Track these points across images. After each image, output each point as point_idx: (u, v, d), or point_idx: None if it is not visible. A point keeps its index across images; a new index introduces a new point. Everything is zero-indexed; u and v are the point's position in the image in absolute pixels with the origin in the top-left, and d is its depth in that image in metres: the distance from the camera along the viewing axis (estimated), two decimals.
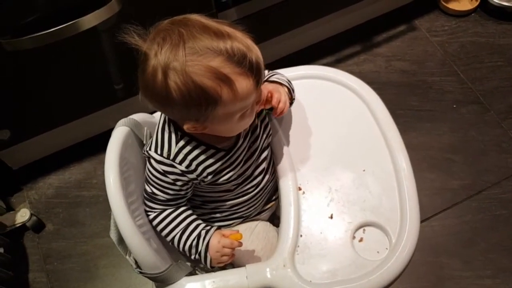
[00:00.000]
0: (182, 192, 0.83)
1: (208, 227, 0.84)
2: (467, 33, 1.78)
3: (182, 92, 0.67)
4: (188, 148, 0.79)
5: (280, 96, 0.83)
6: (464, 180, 1.47)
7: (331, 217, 0.85)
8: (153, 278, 0.80)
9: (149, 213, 0.85)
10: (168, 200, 0.83)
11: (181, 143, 0.78)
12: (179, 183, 0.81)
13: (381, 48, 1.75)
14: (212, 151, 0.80)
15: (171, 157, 0.78)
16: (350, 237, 0.83)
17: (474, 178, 1.47)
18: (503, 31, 1.78)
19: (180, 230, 0.83)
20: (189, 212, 0.86)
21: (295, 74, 1.01)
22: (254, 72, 0.68)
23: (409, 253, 0.80)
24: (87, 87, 1.32)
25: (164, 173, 0.79)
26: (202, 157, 0.79)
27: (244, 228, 0.95)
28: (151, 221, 0.85)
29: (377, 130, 0.93)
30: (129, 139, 0.85)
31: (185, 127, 0.74)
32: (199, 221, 0.85)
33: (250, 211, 0.94)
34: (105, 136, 0.84)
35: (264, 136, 0.88)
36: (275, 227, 0.98)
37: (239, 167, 0.84)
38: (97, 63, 1.28)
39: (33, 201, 1.50)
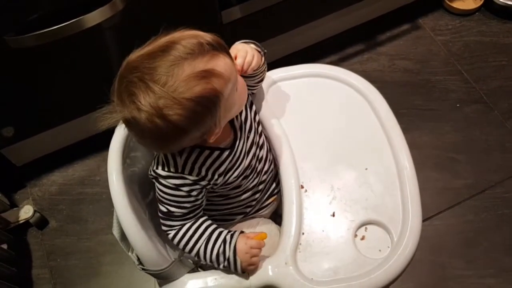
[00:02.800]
0: (199, 202, 0.81)
1: (232, 232, 0.83)
2: (471, 32, 1.77)
3: (188, 116, 0.66)
4: (193, 156, 0.77)
5: (237, 53, 0.80)
6: (467, 180, 1.47)
7: (333, 215, 0.85)
8: (155, 275, 0.81)
9: (169, 232, 0.82)
10: (185, 214, 0.81)
11: (185, 154, 0.77)
12: (194, 193, 0.79)
13: (384, 47, 1.74)
14: (217, 152, 0.80)
15: (179, 170, 0.77)
16: (352, 235, 0.83)
17: (477, 178, 1.47)
18: (508, 30, 1.77)
19: (204, 241, 0.81)
20: (208, 222, 0.84)
21: (299, 73, 1.01)
22: (219, 48, 0.68)
23: (411, 252, 0.80)
24: (90, 84, 1.32)
25: (177, 187, 0.78)
26: (209, 162, 0.79)
27: (246, 226, 0.95)
28: (171, 240, 0.82)
29: (380, 129, 0.93)
30: (131, 137, 0.85)
31: (210, 140, 0.73)
32: (220, 229, 0.84)
33: (252, 205, 0.94)
34: (109, 134, 0.84)
35: (255, 121, 0.88)
36: (277, 226, 0.98)
37: (244, 160, 0.84)
38: (101, 60, 1.28)
39: (37, 198, 1.50)
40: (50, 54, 1.16)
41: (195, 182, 0.78)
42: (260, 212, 0.98)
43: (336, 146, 0.92)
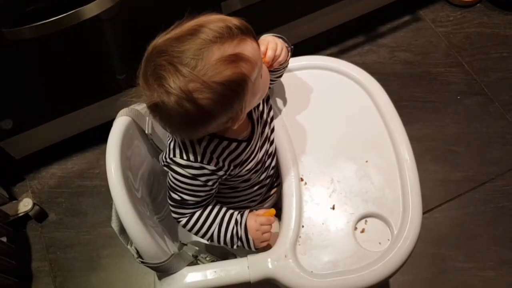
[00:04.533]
0: (212, 191, 0.82)
1: (241, 212, 0.84)
2: (473, 24, 1.76)
3: (217, 100, 0.65)
4: (212, 146, 0.77)
5: (267, 44, 0.81)
6: (467, 172, 1.46)
7: (333, 208, 0.85)
8: (154, 268, 0.80)
9: (180, 220, 0.83)
10: (199, 202, 0.81)
11: (204, 142, 0.76)
12: (210, 183, 0.79)
13: (385, 38, 1.73)
14: (234, 144, 0.79)
15: (199, 159, 0.76)
16: (352, 228, 0.83)
17: (478, 170, 1.46)
18: (509, 22, 1.76)
19: (217, 225, 0.82)
20: (218, 205, 0.85)
21: (299, 65, 1.00)
22: (246, 32, 0.68)
23: (411, 245, 0.80)
24: (89, 77, 1.31)
25: (194, 177, 0.77)
26: (226, 152, 0.78)
27: None
28: (183, 227, 0.83)
29: (380, 121, 0.93)
30: (130, 129, 0.85)
31: (235, 126, 0.72)
32: (230, 210, 0.85)
33: (257, 198, 0.94)
34: (108, 126, 0.83)
35: (269, 116, 0.87)
36: (277, 218, 0.98)
37: (258, 154, 0.84)
38: (100, 52, 1.27)
39: (36, 190, 1.50)
40: (49, 46, 1.15)
41: (213, 172, 0.78)
42: (262, 204, 0.97)
43: (336, 139, 0.92)
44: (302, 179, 0.88)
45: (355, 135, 0.92)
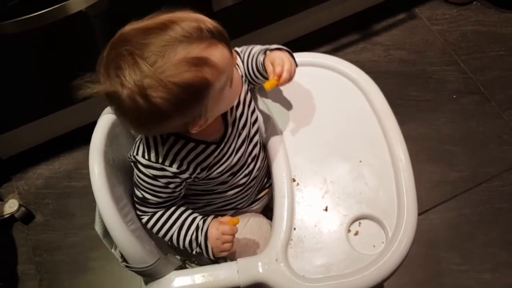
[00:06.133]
0: (176, 194, 0.80)
1: (205, 218, 0.82)
2: (469, 22, 1.75)
3: (172, 101, 0.62)
4: (176, 147, 0.75)
5: (280, 65, 0.78)
6: (463, 172, 1.45)
7: (326, 210, 0.83)
8: (140, 272, 0.78)
9: (142, 217, 0.82)
10: (160, 203, 0.80)
11: (168, 143, 0.75)
12: (171, 185, 0.77)
13: (380, 36, 1.71)
14: (202, 146, 0.77)
15: (160, 160, 0.75)
16: (345, 230, 0.81)
17: (474, 170, 1.45)
18: (506, 20, 1.75)
19: (177, 228, 0.81)
20: (182, 208, 0.83)
21: None
22: (218, 37, 0.65)
23: (406, 247, 0.79)
24: (76, 74, 1.28)
25: (155, 178, 0.76)
26: (192, 155, 0.76)
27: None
28: (145, 225, 0.83)
29: (375, 120, 0.91)
30: (116, 128, 0.82)
31: (193, 130, 0.70)
32: (194, 214, 0.83)
33: (244, 200, 0.92)
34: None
35: (251, 118, 0.85)
36: (268, 220, 0.96)
37: (231, 157, 0.82)
38: (86, 49, 1.24)
39: (22, 191, 1.47)
40: (34, 42, 1.12)
41: (175, 175, 0.76)
42: (251, 206, 0.96)
43: (330, 138, 0.90)
44: (294, 180, 0.86)
45: (349, 134, 0.90)
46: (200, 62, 0.62)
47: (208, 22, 0.65)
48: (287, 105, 0.94)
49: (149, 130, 0.71)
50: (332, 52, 1.67)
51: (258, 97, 0.94)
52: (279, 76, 0.77)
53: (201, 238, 0.80)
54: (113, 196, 0.75)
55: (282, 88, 0.95)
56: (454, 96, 1.59)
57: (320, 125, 0.91)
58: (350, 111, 0.93)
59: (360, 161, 0.87)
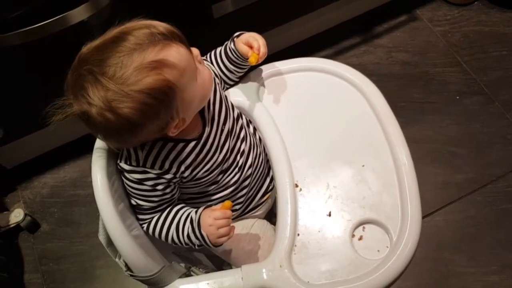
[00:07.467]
0: (167, 196, 0.80)
1: (197, 209, 0.82)
2: (471, 22, 1.74)
3: (139, 109, 0.63)
4: (155, 150, 0.75)
5: (256, 41, 0.83)
6: (468, 174, 1.44)
7: (330, 215, 0.83)
8: (144, 281, 0.78)
9: (143, 225, 0.83)
10: (154, 207, 0.80)
11: (147, 147, 0.75)
12: (159, 187, 0.78)
13: (381, 39, 1.71)
14: (181, 144, 0.77)
15: (141, 163, 0.75)
16: (349, 235, 0.81)
17: (479, 172, 1.44)
18: (508, 20, 1.74)
19: (175, 226, 0.81)
20: (177, 207, 0.83)
21: (293, 67, 0.98)
22: (171, 37, 0.66)
23: (411, 251, 0.78)
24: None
25: (140, 181, 0.77)
26: (173, 154, 0.77)
27: (241, 227, 0.92)
28: (146, 232, 0.83)
29: (377, 124, 0.91)
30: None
31: (170, 133, 0.71)
32: (189, 210, 0.82)
33: (242, 201, 0.91)
34: None
35: (233, 114, 0.85)
36: (272, 226, 0.95)
37: (216, 154, 0.82)
38: None
39: (28, 200, 1.47)
40: (37, 53, 1.13)
41: (158, 176, 0.76)
42: (254, 211, 0.95)
43: (332, 143, 0.90)
44: (297, 185, 0.85)
45: (351, 138, 0.90)
46: (157, 65, 0.63)
47: (158, 25, 0.66)
48: (289, 110, 0.94)
49: (127, 142, 0.72)
50: (334, 55, 1.67)
51: (259, 101, 0.94)
52: (258, 50, 0.81)
53: (196, 229, 0.79)
54: (116, 204, 0.75)
55: (284, 93, 0.96)
56: (458, 97, 1.58)
57: (322, 130, 0.91)
58: (351, 115, 0.93)
59: (363, 166, 0.86)
